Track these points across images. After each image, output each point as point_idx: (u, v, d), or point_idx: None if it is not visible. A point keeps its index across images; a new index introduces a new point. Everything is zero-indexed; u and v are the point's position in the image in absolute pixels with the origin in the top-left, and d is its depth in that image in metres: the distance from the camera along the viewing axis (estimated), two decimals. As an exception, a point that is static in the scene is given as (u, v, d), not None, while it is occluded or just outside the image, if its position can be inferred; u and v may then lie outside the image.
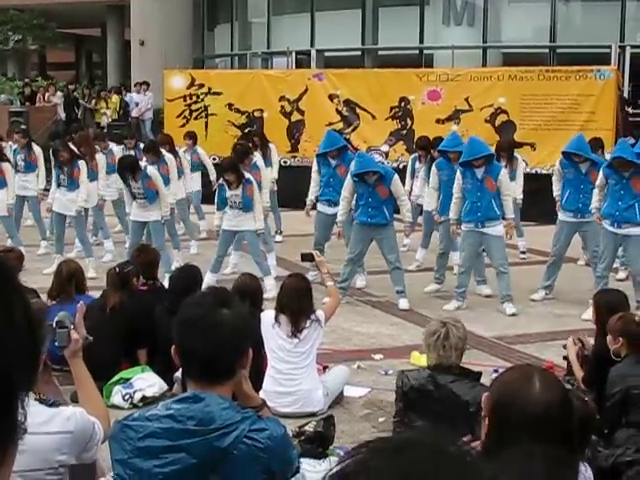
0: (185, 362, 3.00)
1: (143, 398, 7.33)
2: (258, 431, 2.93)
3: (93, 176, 12.92)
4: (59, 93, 25.91)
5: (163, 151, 12.86)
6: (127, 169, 11.26)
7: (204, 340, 2.91)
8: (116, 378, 7.52)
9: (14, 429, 0.76)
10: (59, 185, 12.21)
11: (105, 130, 24.61)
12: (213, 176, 14.18)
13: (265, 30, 27.28)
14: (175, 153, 13.41)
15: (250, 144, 13.38)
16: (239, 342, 2.99)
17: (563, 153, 10.96)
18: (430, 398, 5.69)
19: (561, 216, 10.82)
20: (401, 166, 16.61)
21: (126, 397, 7.37)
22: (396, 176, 10.55)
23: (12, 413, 0.76)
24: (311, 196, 11.87)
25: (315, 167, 11.98)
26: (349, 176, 10.63)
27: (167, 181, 12.21)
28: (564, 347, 7.02)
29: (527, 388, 2.55)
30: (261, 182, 11.74)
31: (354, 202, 10.74)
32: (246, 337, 3.07)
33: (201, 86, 19.37)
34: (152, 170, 11.48)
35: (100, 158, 13.30)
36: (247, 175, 11.06)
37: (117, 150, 14.32)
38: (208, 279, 10.23)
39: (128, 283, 7.99)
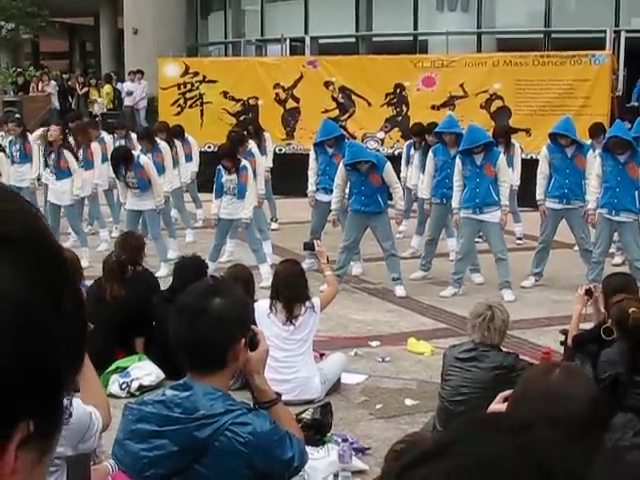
0: (177, 350, 2.99)
1: (140, 387, 7.32)
2: (240, 425, 2.92)
3: (89, 165, 12.90)
4: (53, 82, 25.85)
5: (158, 139, 12.82)
6: (121, 160, 11.23)
7: (190, 328, 2.90)
8: (113, 367, 7.51)
9: (60, 418, 0.75)
10: (50, 176, 12.29)
11: (99, 119, 24.58)
12: (196, 168, 14.32)
13: (259, 17, 27.20)
14: (171, 141, 13.36)
15: (245, 132, 13.34)
16: (227, 331, 2.95)
17: (550, 135, 10.96)
18: (471, 363, 5.78)
19: (547, 202, 10.80)
20: (397, 153, 16.57)
21: (123, 386, 7.36)
22: (388, 164, 10.52)
23: (59, 405, 0.75)
24: (311, 187, 11.83)
25: (313, 156, 11.96)
26: (341, 164, 10.62)
27: (162, 169, 12.18)
28: (561, 332, 7.03)
29: (547, 381, 2.54)
30: (256, 170, 11.71)
31: (348, 190, 10.72)
32: (235, 326, 3.00)
33: (195, 74, 19.31)
34: (145, 159, 11.46)
35: (95, 147, 13.27)
36: (243, 162, 11.05)
37: (108, 139, 14.27)
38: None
39: (125, 271, 7.99)
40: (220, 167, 10.97)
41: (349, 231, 10.67)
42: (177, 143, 13.68)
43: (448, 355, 5.99)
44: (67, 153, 12.22)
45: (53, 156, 12.19)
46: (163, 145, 12.71)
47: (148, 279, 8.25)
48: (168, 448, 2.91)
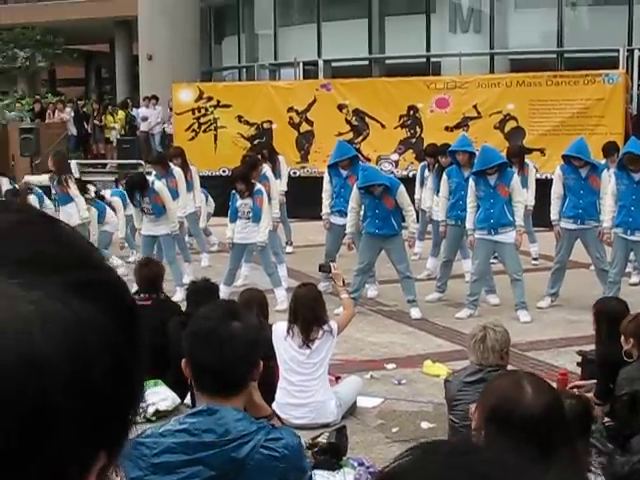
0: (197, 375, 2.99)
1: (156, 412, 7.31)
2: (274, 440, 2.94)
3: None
4: (68, 109, 26.00)
5: (172, 164, 12.86)
6: (136, 186, 11.31)
7: (217, 353, 2.90)
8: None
9: (126, 436, 0.80)
10: (55, 201, 12.52)
11: (114, 145, 24.74)
12: (198, 202, 13.49)
13: (272, 41, 27.34)
14: (186, 166, 13.34)
15: (259, 156, 13.36)
16: (251, 354, 2.99)
17: (563, 157, 10.95)
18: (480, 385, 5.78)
19: (562, 223, 10.77)
20: (411, 174, 16.59)
21: (139, 411, 7.35)
22: (402, 187, 10.53)
23: (129, 428, 0.80)
24: (325, 209, 11.83)
25: (327, 178, 11.96)
26: (355, 188, 10.63)
27: (176, 195, 12.21)
28: (578, 353, 7.00)
29: (521, 392, 2.59)
30: (270, 193, 11.73)
31: (362, 213, 10.73)
32: (257, 349, 3.07)
33: (209, 99, 19.40)
34: (159, 185, 11.51)
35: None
36: (257, 185, 11.08)
37: None
38: (222, 292, 10.22)
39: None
40: (234, 191, 11.00)
41: (363, 254, 10.67)
42: (192, 168, 13.66)
43: (453, 382, 5.98)
44: (70, 181, 12.42)
45: (56, 184, 12.42)
46: (177, 170, 12.75)
47: (170, 307, 8.22)
48: (204, 474, 2.90)
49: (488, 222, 10.25)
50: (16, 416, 0.67)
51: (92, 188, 14.65)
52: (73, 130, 25.46)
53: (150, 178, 11.81)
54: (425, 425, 7.04)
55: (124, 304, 0.79)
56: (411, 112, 17.97)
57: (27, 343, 0.68)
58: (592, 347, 7.22)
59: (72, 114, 25.88)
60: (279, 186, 13.29)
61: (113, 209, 13.91)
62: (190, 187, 13.20)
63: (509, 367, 8.37)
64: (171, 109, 24.04)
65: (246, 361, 2.97)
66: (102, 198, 14.11)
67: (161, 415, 7.15)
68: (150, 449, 2.96)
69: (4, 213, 0.76)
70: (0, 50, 42.29)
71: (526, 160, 13.08)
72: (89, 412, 0.72)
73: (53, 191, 12.53)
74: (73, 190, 12.42)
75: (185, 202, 12.72)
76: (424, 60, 24.39)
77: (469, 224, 10.43)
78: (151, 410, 7.34)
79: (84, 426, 0.72)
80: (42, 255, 0.73)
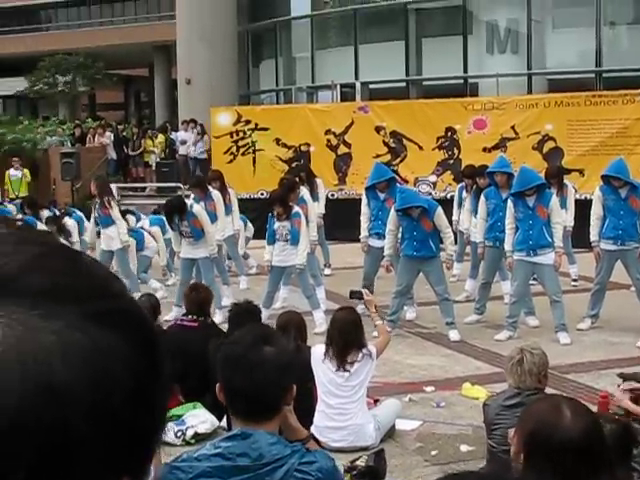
0: (230, 400, 3.01)
1: (195, 435, 7.34)
2: (308, 464, 2.94)
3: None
4: (108, 133, 26.26)
5: (210, 188, 12.94)
6: (174, 210, 11.39)
7: (248, 378, 2.92)
8: (168, 415, 7.54)
9: (149, 463, 0.81)
10: (97, 223, 12.57)
11: (153, 169, 24.94)
12: (237, 225, 13.54)
13: (309, 64, 27.45)
14: (225, 189, 13.40)
15: (297, 179, 13.41)
16: (283, 379, 3.00)
17: (602, 177, 10.88)
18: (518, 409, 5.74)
19: (602, 244, 10.68)
20: (449, 196, 16.58)
21: (178, 434, 7.38)
22: (439, 209, 10.51)
23: (152, 454, 0.81)
24: (364, 232, 11.82)
25: (364, 201, 11.96)
26: (393, 210, 10.64)
27: (214, 218, 12.28)
28: (619, 376, 6.92)
29: (559, 417, 2.58)
30: (308, 216, 11.76)
31: (400, 235, 10.73)
32: (290, 374, 3.06)
33: (247, 122, 19.53)
34: (198, 209, 11.58)
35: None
36: (295, 208, 11.12)
37: None
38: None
39: (156, 317, 8.16)
40: (272, 213, 11.05)
41: (401, 276, 10.66)
42: (230, 191, 13.70)
43: (491, 405, 5.94)
44: (113, 202, 12.54)
45: (98, 207, 12.50)
46: (215, 193, 12.82)
47: (216, 331, 8.22)
48: None
49: (527, 244, 10.20)
50: (37, 445, 0.68)
51: (132, 218, 14.79)
52: (113, 154, 25.70)
53: (189, 202, 11.88)
54: (464, 448, 7.00)
55: (145, 332, 0.80)
56: (449, 133, 17.98)
57: (47, 373, 0.69)
58: (634, 369, 7.16)
59: (112, 138, 26.13)
60: (317, 209, 13.32)
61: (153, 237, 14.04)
62: (229, 210, 13.26)
63: (549, 390, 8.32)
64: (199, 133, 24.25)
65: (278, 386, 2.97)
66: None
67: (200, 438, 7.17)
68: (186, 473, 2.98)
69: (25, 245, 0.77)
70: (42, 76, 42.89)
71: (565, 181, 13.02)
72: (111, 439, 0.73)
73: (95, 214, 12.58)
74: (115, 212, 12.55)
75: (224, 225, 12.78)
76: (461, 81, 24.37)
77: (508, 246, 10.38)
78: (190, 433, 7.36)
79: (106, 453, 0.73)
80: (62, 286, 0.74)
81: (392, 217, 10.70)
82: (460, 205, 13.41)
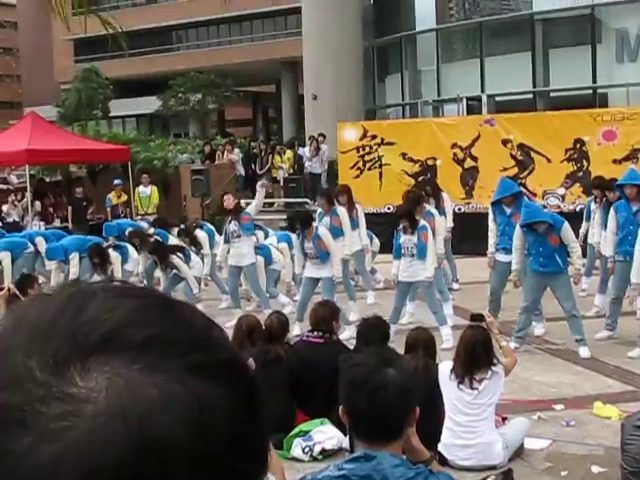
0: (353, 423, 3.05)
1: (323, 451, 7.38)
2: (431, 486, 2.95)
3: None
4: (237, 150, 26.72)
5: (336, 204, 13.00)
6: (298, 220, 11.53)
7: (372, 401, 2.95)
8: (296, 431, 7.62)
9: None
10: (227, 240, 12.66)
11: (281, 184, 25.27)
12: (365, 240, 13.47)
13: (435, 78, 27.42)
14: (352, 204, 13.45)
15: (423, 192, 13.39)
16: (406, 402, 3.01)
17: None
18: None
19: None
20: (578, 208, 16.30)
21: (306, 450, 7.45)
22: (566, 224, 10.35)
23: None
24: (491, 247, 11.71)
25: (491, 216, 11.85)
26: (518, 226, 10.53)
27: (339, 233, 12.36)
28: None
29: None
30: (435, 230, 11.74)
31: (526, 250, 10.61)
32: (413, 396, 3.07)
33: (374, 137, 19.59)
34: (323, 231, 11.65)
35: None
36: (422, 222, 11.12)
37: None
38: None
39: (286, 330, 8.29)
40: (398, 228, 11.07)
41: (528, 292, 10.53)
42: (357, 207, 13.73)
43: (626, 425, 5.83)
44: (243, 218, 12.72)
45: (232, 222, 12.66)
46: (341, 210, 12.89)
47: (341, 348, 8.28)
48: None
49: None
50: None
51: (260, 233, 14.98)
52: (241, 170, 26.14)
53: (315, 224, 11.93)
54: (596, 469, 6.85)
55: (244, 381, 0.81)
56: (577, 145, 17.65)
57: (148, 428, 0.71)
58: None
59: (240, 155, 26.58)
60: (445, 223, 13.28)
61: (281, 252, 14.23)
62: (355, 225, 13.29)
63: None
64: (315, 148, 24.41)
65: (401, 409, 2.98)
66: None
67: (327, 454, 7.23)
68: None
69: (125, 299, 0.79)
70: (173, 95, 44.04)
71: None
72: None
73: (232, 228, 12.72)
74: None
75: (351, 240, 12.85)
76: (590, 92, 23.95)
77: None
78: (318, 449, 7.41)
79: None
80: (161, 339, 0.76)
81: (517, 233, 10.59)
82: (589, 218, 13.17)
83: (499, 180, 12.44)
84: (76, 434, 0.70)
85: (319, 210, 13.23)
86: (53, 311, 0.77)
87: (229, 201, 12.85)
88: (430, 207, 12.68)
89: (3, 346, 0.75)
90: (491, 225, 11.76)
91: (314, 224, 11.79)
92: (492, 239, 11.67)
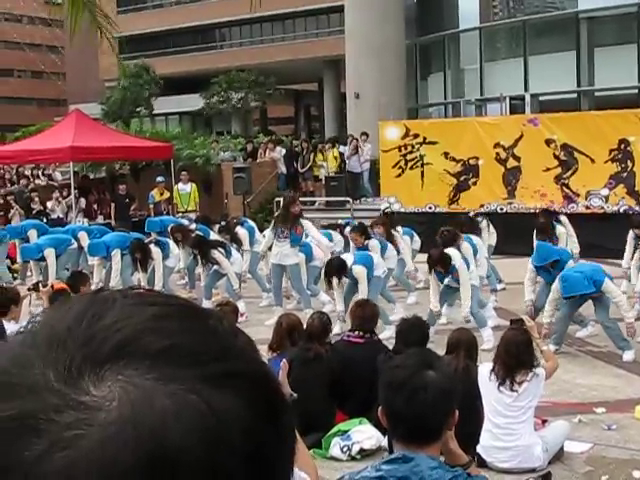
0: (392, 424, 3.04)
1: (361, 450, 7.37)
2: (470, 489, 2.94)
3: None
4: (279, 148, 26.76)
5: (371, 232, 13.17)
6: (334, 271, 11.53)
7: (411, 403, 2.94)
8: (334, 430, 7.61)
9: None
10: (278, 238, 12.64)
11: (323, 183, 25.27)
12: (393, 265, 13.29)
13: (478, 76, 27.28)
14: (391, 236, 13.40)
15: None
16: (445, 404, 3.00)
17: None
18: None
19: None
20: (622, 210, 16.14)
21: (344, 449, 7.44)
22: (607, 280, 10.18)
23: None
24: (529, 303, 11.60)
25: (528, 275, 11.57)
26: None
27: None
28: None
29: None
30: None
31: None
32: (452, 399, 3.06)
33: (416, 136, 19.52)
34: (358, 270, 11.58)
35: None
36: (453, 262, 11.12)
37: None
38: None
39: (328, 330, 8.26)
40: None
41: (564, 305, 10.55)
42: (395, 233, 13.71)
43: None
44: (306, 223, 12.88)
45: (289, 224, 12.67)
46: (372, 245, 12.87)
47: (381, 348, 8.28)
48: None
49: None
50: None
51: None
52: (283, 169, 26.15)
53: (348, 264, 11.84)
54: (637, 474, 6.77)
55: (266, 394, 0.78)
56: (622, 145, 17.46)
57: (160, 438, 0.70)
58: None
59: (282, 153, 26.61)
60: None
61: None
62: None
63: None
64: (355, 147, 24.36)
65: (440, 411, 2.97)
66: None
67: (366, 454, 7.22)
68: None
69: (142, 307, 0.77)
70: (216, 92, 44.23)
71: None
72: None
73: (280, 229, 12.76)
74: (313, 232, 13.02)
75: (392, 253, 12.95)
76: (635, 91, 23.69)
77: None
78: (356, 449, 7.40)
79: None
80: (178, 348, 0.75)
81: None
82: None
83: (536, 244, 11.91)
84: (88, 442, 0.69)
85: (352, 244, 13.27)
86: (71, 319, 0.76)
87: (297, 207, 12.85)
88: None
89: (23, 354, 0.74)
90: (527, 283, 11.34)
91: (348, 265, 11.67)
92: (528, 296, 11.27)
